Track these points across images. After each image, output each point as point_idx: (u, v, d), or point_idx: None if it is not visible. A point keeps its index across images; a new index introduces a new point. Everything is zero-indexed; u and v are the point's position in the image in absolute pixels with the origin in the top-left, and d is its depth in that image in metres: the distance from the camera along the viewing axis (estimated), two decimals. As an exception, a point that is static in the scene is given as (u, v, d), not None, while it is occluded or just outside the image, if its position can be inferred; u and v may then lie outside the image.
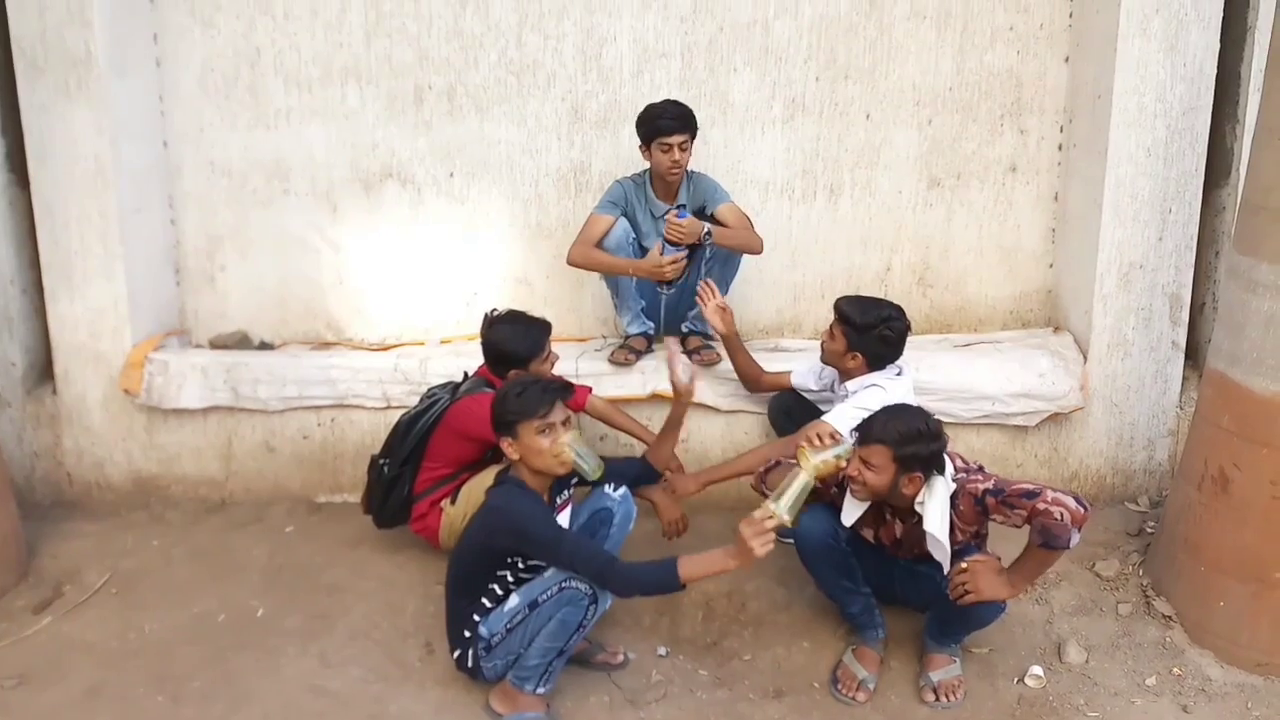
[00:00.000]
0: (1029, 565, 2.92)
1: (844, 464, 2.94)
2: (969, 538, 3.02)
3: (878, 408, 3.29)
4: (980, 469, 3.02)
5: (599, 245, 3.97)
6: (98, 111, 4.06)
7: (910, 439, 2.87)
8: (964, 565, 2.92)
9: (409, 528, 3.75)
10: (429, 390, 3.84)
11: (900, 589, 3.23)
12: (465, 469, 3.64)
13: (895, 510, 3.07)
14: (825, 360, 3.62)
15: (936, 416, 2.98)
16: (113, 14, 4.08)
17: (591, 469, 2.98)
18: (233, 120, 4.42)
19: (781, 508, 2.72)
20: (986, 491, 2.89)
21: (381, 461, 3.70)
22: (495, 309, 3.67)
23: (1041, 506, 2.77)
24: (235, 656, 3.32)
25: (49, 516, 4.23)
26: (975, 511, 2.93)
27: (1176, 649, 3.31)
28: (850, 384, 3.55)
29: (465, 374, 3.82)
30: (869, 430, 2.93)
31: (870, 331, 3.45)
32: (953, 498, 2.93)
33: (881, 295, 4.44)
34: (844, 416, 3.41)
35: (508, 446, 2.95)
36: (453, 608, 3.06)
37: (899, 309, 3.54)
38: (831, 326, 3.54)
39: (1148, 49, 3.79)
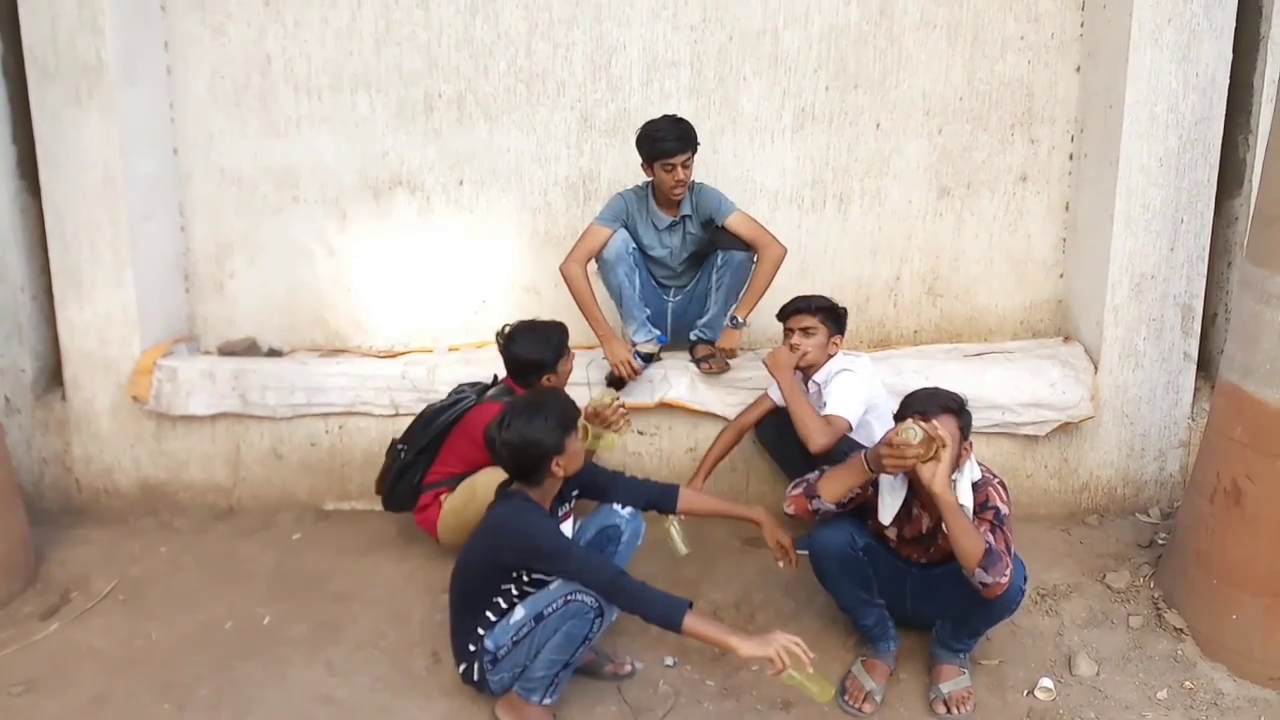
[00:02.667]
0: (960, 521, 2.84)
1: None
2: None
3: (862, 381, 3.61)
4: (1004, 485, 3.06)
5: (598, 255, 3.98)
6: (108, 119, 4.07)
7: (964, 405, 2.99)
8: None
9: (413, 517, 3.79)
10: (459, 386, 3.90)
11: (913, 603, 3.21)
12: (474, 471, 3.64)
13: (925, 501, 3.07)
14: (810, 361, 3.69)
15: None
16: (124, 22, 4.10)
17: (609, 442, 3.41)
18: (243, 128, 4.43)
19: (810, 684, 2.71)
20: (996, 509, 2.97)
21: (400, 446, 3.78)
22: (507, 325, 3.70)
23: (1006, 561, 2.86)
24: (242, 665, 3.31)
25: (57, 523, 4.24)
26: (976, 508, 2.99)
27: (1188, 662, 3.28)
28: (818, 376, 3.68)
29: (495, 377, 3.83)
30: (930, 404, 2.96)
31: (836, 310, 3.72)
32: (975, 486, 3.00)
33: (891, 305, 4.50)
34: (847, 404, 3.54)
35: (557, 467, 2.95)
36: (457, 622, 3.05)
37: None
38: (805, 329, 3.67)
39: (1160, 59, 3.78)
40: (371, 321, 4.62)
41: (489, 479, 3.37)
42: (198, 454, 4.35)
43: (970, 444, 3.00)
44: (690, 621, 2.73)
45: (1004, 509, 2.98)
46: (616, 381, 4.00)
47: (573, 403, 3.07)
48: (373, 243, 4.53)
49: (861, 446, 3.37)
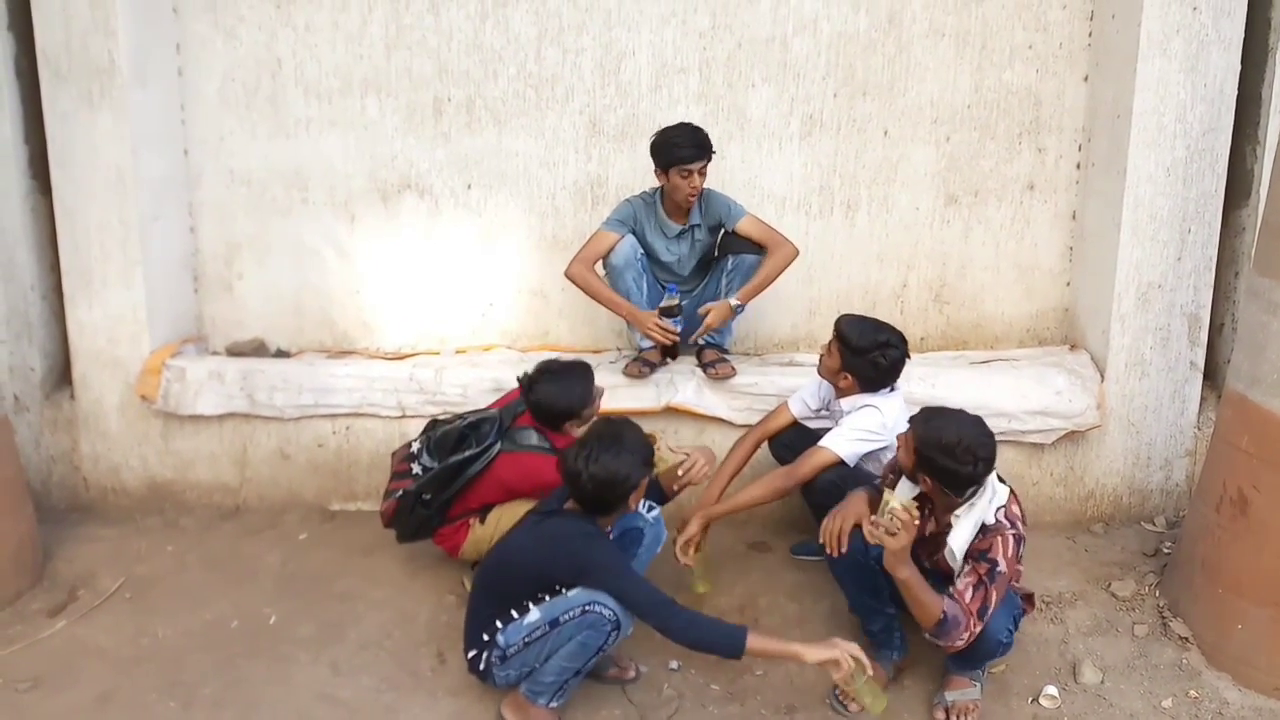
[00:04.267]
0: (914, 594, 2.85)
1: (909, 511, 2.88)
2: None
3: (873, 428, 3.41)
4: (1019, 540, 2.95)
5: (605, 260, 3.98)
6: (120, 120, 4.09)
7: (933, 444, 2.87)
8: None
9: (430, 540, 3.72)
10: (468, 422, 3.59)
11: None
12: (496, 505, 3.59)
13: (935, 510, 3.06)
14: (821, 374, 3.62)
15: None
16: (136, 24, 4.12)
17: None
18: (253, 130, 4.45)
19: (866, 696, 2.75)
20: (994, 563, 2.87)
21: (423, 495, 3.54)
22: (527, 372, 3.51)
23: (969, 630, 2.83)
24: (247, 664, 3.32)
25: (65, 520, 4.25)
26: (976, 552, 2.93)
27: (1193, 671, 3.28)
28: (844, 403, 3.54)
29: (512, 412, 3.64)
30: (917, 420, 2.95)
31: (864, 355, 3.43)
32: (984, 529, 2.93)
33: (898, 311, 4.46)
34: (842, 440, 3.44)
35: (634, 500, 2.99)
36: (477, 609, 3.03)
37: (899, 337, 3.47)
38: (830, 342, 3.53)
39: (1168, 69, 3.79)
40: (379, 323, 4.63)
41: (515, 508, 3.36)
42: (205, 454, 4.36)
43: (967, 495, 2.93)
44: (752, 642, 2.73)
45: (1001, 565, 2.86)
46: (669, 350, 3.99)
47: (646, 436, 3.06)
48: (381, 245, 4.55)
49: (865, 476, 3.39)
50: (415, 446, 3.63)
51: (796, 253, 3.98)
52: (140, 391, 4.25)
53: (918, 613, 2.88)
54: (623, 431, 3.00)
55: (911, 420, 2.99)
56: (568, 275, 3.99)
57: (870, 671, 2.76)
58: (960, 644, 2.86)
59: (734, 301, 3.92)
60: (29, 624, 3.54)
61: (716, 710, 3.13)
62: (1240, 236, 4.06)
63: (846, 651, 2.71)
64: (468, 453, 3.52)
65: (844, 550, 3.05)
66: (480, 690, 3.09)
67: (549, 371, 3.51)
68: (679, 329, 3.97)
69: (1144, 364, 4.03)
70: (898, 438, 3.08)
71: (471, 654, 3.03)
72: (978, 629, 2.85)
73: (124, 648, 3.41)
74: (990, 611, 2.86)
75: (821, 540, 3.09)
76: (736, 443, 3.75)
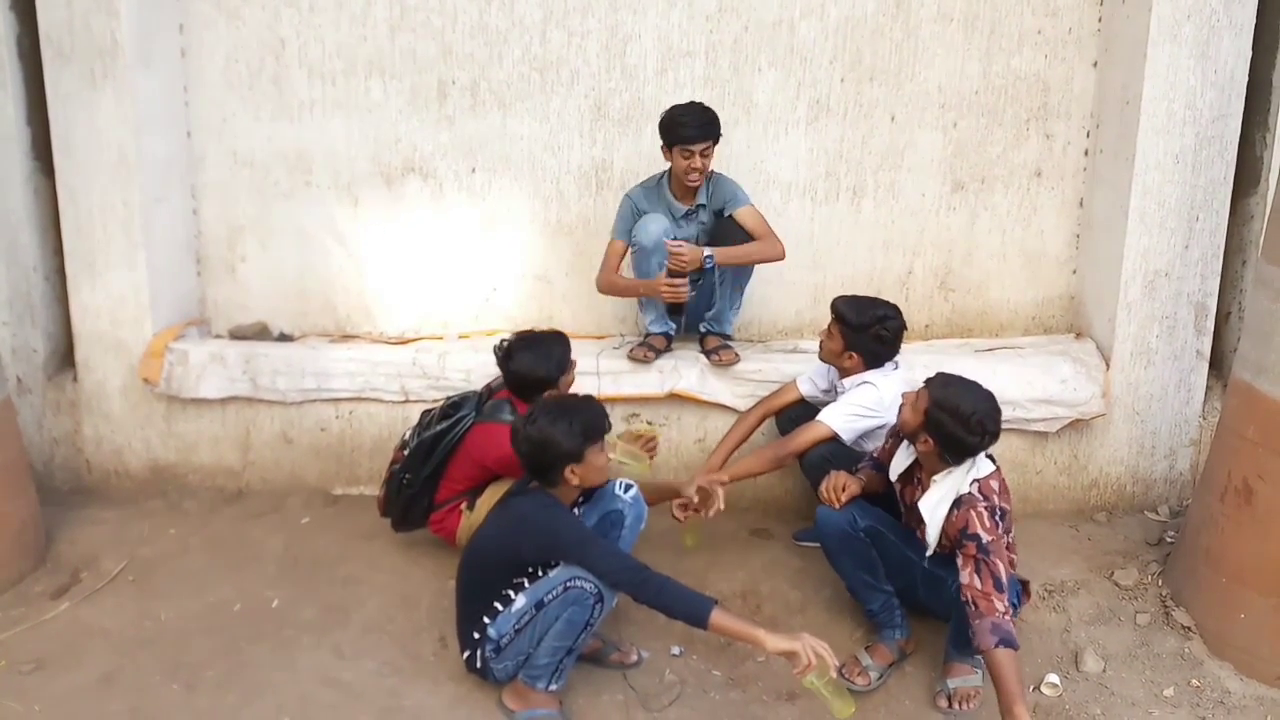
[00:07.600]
0: (1009, 682, 2.73)
1: None
2: (949, 548, 3.01)
3: (870, 404, 3.46)
4: (1002, 515, 2.94)
5: (636, 242, 3.95)
6: (123, 101, 4.08)
7: (946, 408, 2.90)
8: None
9: (427, 529, 3.74)
10: (451, 401, 3.73)
11: (923, 593, 3.21)
12: (484, 485, 3.61)
13: (923, 478, 3.10)
14: (823, 359, 3.66)
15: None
16: (140, 4, 4.10)
17: (640, 467, 3.41)
18: (256, 112, 4.43)
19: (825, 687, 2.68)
20: (977, 537, 2.87)
21: (404, 476, 3.65)
22: (504, 339, 3.60)
23: (1000, 606, 2.79)
24: (250, 647, 3.32)
25: (67, 503, 4.25)
26: (956, 533, 2.95)
27: (1195, 660, 3.28)
28: (846, 381, 3.60)
29: (489, 388, 3.76)
30: (933, 383, 2.99)
31: (866, 331, 3.50)
32: (959, 501, 2.95)
33: (903, 298, 4.45)
34: (838, 415, 3.47)
35: (572, 474, 2.93)
36: (464, 609, 3.06)
37: (895, 308, 3.56)
38: (829, 326, 3.59)
39: (1178, 55, 3.76)
40: (382, 308, 4.62)
41: (503, 488, 3.34)
42: (208, 437, 4.36)
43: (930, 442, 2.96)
44: (717, 617, 2.72)
45: (984, 535, 2.87)
46: (676, 309, 4.03)
47: (604, 415, 3.01)
48: (384, 229, 4.53)
49: (860, 456, 3.43)
50: (408, 434, 3.73)
51: (782, 255, 3.96)
52: (143, 374, 4.25)
53: (1017, 671, 2.79)
54: (575, 404, 3.01)
55: (928, 382, 3.03)
56: (600, 290, 4.07)
57: (834, 673, 2.67)
58: (1007, 625, 2.77)
59: (708, 253, 3.86)
60: (32, 606, 3.55)
61: (718, 696, 3.14)
62: (1248, 224, 4.04)
63: (810, 647, 2.63)
64: (439, 427, 3.62)
65: (843, 502, 3.13)
66: (479, 678, 3.08)
67: (525, 341, 3.57)
68: (687, 288, 3.90)
69: (1150, 352, 4.01)
70: (904, 395, 3.12)
71: (466, 654, 3.05)
72: (1004, 601, 2.81)
73: (127, 630, 3.42)
74: (1004, 581, 2.84)
75: (821, 493, 3.15)
76: (741, 416, 3.82)
